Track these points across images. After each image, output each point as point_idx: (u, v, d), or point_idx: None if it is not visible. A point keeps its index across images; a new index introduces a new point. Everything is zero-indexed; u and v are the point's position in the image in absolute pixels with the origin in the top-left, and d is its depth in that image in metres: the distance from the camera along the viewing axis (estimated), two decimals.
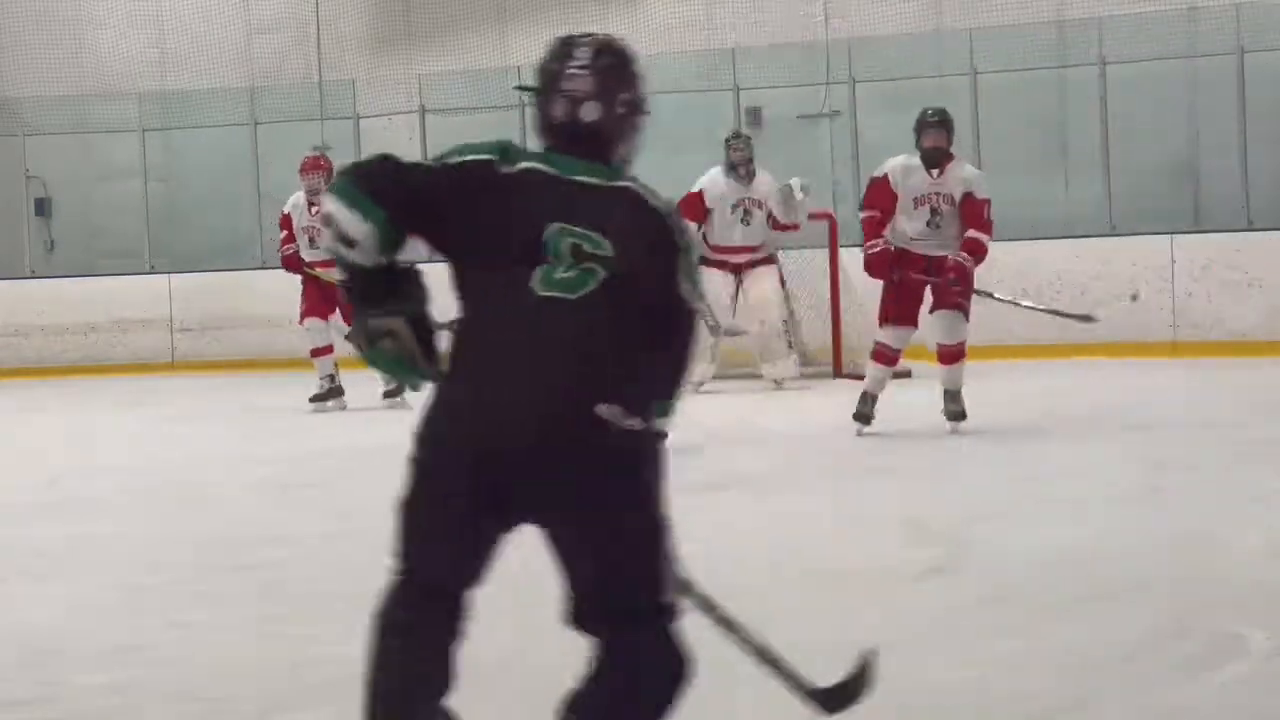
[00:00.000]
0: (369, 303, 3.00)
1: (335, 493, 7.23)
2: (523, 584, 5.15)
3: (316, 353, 10.75)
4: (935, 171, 8.31)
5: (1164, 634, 4.16)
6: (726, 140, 11.17)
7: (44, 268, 15.77)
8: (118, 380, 13.91)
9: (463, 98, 15.25)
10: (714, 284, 10.98)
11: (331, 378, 10.74)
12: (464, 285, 3.00)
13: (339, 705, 3.85)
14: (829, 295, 11.78)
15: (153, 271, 15.02)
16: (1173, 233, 12.38)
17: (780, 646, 4.20)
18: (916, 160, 8.36)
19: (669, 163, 14.52)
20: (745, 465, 7.55)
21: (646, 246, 3.00)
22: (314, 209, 10.68)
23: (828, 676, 3.91)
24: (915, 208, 8.33)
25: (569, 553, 3.09)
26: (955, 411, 8.47)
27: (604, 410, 2.88)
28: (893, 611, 4.58)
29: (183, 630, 4.64)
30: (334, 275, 10.57)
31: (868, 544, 5.57)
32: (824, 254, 11.89)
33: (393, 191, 2.96)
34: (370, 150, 14.00)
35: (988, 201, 8.37)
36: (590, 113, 3.06)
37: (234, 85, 15.86)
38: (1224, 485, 6.52)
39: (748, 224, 10.92)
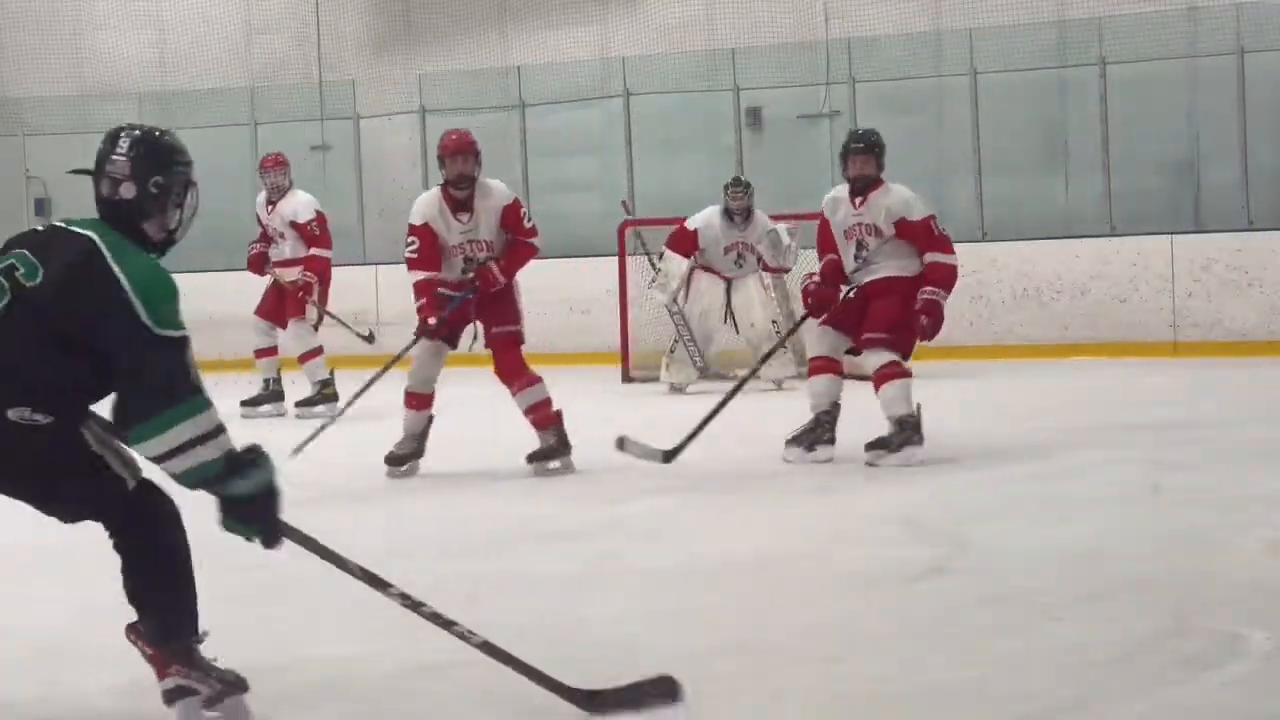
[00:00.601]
0: None
1: (334, 492, 7.23)
2: (517, 585, 5.15)
3: (260, 353, 10.74)
4: (858, 200, 7.64)
5: (1164, 634, 4.16)
6: (726, 186, 11.20)
7: None
8: None
9: (463, 98, 15.25)
10: (706, 290, 11.04)
11: (269, 382, 10.72)
12: None
13: (339, 705, 3.85)
14: None
15: None
16: (1173, 233, 12.39)
17: (780, 646, 4.21)
18: (845, 190, 7.72)
19: (669, 162, 14.62)
20: (744, 466, 7.55)
21: (76, 286, 3.66)
22: (271, 208, 10.69)
23: (827, 678, 3.92)
24: (846, 241, 7.70)
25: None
26: (873, 441, 7.44)
27: (13, 413, 3.60)
28: (893, 611, 4.58)
29: None
30: (289, 276, 10.55)
31: (868, 544, 5.56)
32: None
33: None
34: (370, 150, 13.99)
35: (930, 218, 7.58)
36: (127, 191, 3.76)
37: (234, 85, 15.86)
38: (1224, 485, 6.52)
39: (740, 266, 11.11)
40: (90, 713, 3.90)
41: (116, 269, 3.65)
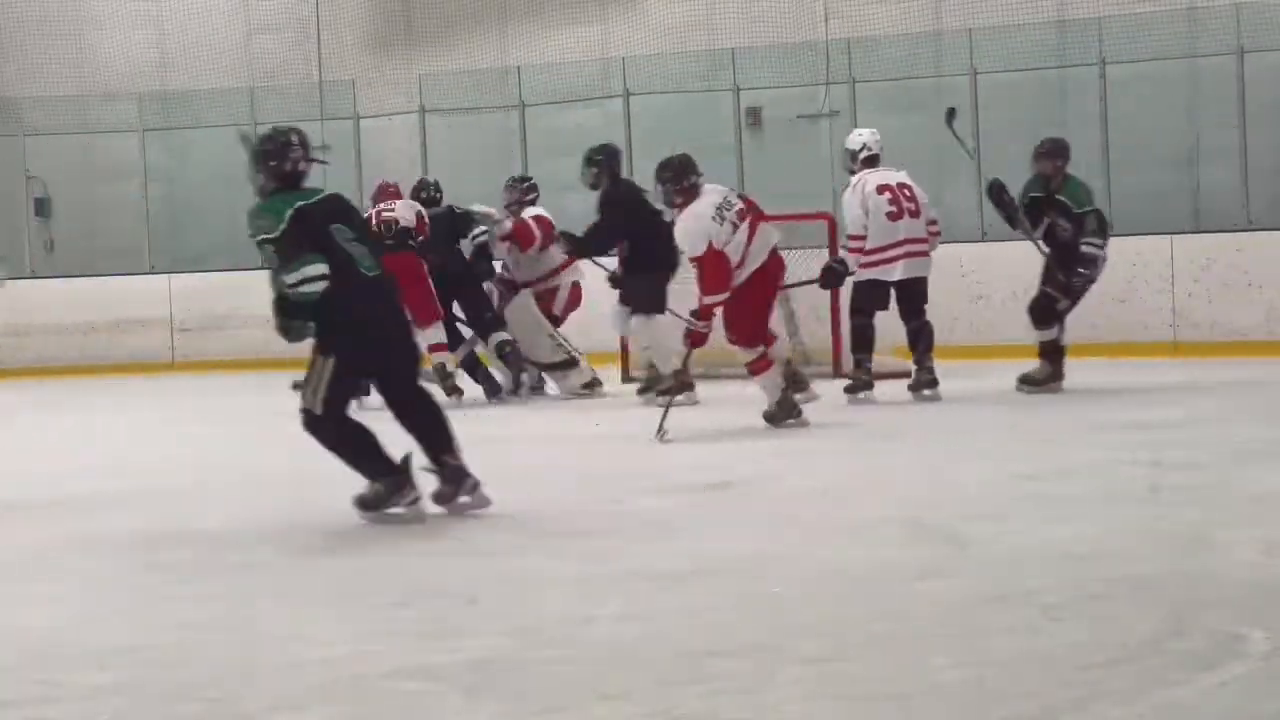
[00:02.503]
0: None
1: (335, 492, 7.23)
2: (517, 585, 5.16)
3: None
4: None
5: (1164, 634, 4.16)
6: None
7: (44, 268, 15.78)
8: (118, 380, 13.91)
9: (463, 98, 15.27)
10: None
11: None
12: None
13: (339, 705, 3.85)
14: (829, 294, 11.76)
15: (153, 271, 15.03)
16: (1173, 233, 12.38)
17: (780, 646, 4.21)
18: None
19: None
20: (744, 465, 7.55)
21: None
22: None
23: (827, 678, 3.92)
24: None
25: None
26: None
27: None
28: (893, 611, 4.58)
29: (183, 630, 4.64)
30: None
31: (868, 544, 5.56)
32: (823, 254, 11.88)
33: None
34: (370, 150, 14.18)
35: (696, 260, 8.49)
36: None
37: (234, 85, 15.87)
38: (1224, 485, 6.52)
39: None
40: (90, 713, 3.90)
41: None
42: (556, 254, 10.93)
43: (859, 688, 3.82)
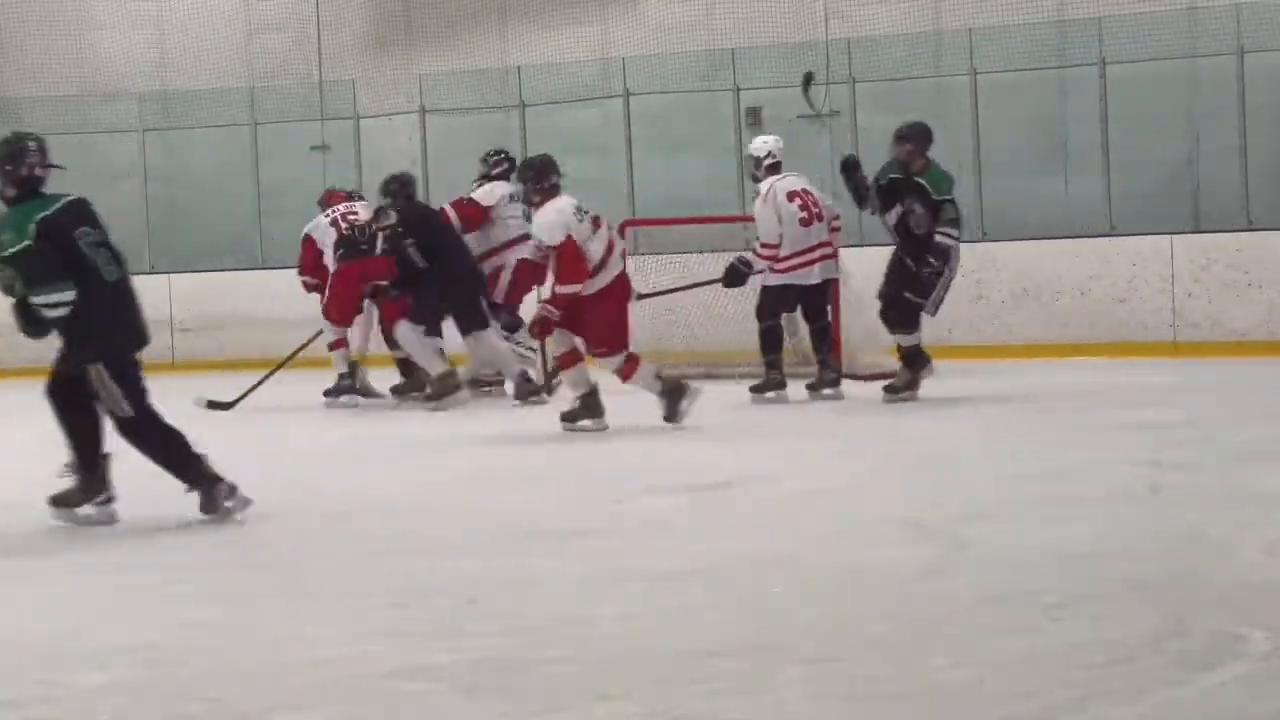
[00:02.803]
0: None
1: (335, 491, 7.24)
2: (516, 585, 5.16)
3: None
4: None
5: (1164, 634, 4.16)
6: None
7: None
8: None
9: (463, 98, 15.25)
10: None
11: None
12: None
13: (339, 705, 3.85)
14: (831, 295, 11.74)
15: (153, 271, 15.01)
16: (1173, 233, 12.38)
17: (780, 646, 4.21)
18: None
19: (669, 162, 14.60)
20: (743, 464, 7.55)
21: None
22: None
23: (827, 678, 3.93)
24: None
25: None
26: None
27: None
28: (893, 611, 4.58)
29: (183, 630, 4.64)
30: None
31: (868, 544, 5.57)
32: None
33: None
34: (370, 150, 14.19)
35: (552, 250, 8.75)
36: None
37: (234, 85, 15.86)
38: (1224, 485, 6.52)
39: None
40: (90, 713, 3.90)
41: None
42: (497, 234, 11.12)
43: (859, 688, 3.82)
